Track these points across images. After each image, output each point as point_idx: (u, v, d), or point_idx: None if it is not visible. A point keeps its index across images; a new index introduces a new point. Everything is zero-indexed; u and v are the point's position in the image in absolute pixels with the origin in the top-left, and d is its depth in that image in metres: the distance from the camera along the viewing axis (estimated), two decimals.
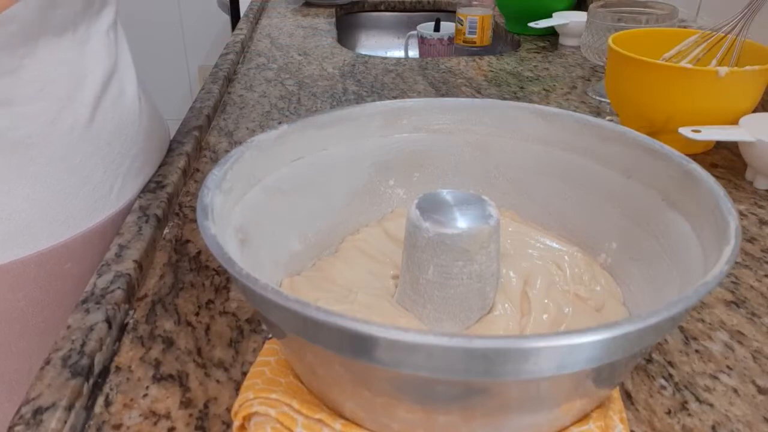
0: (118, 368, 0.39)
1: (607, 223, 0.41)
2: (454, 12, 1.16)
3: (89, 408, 0.37)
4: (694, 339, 0.42)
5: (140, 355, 0.40)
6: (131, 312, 0.44)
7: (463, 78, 0.94)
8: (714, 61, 0.66)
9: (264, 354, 0.36)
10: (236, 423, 0.33)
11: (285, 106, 0.83)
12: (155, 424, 0.35)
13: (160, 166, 0.61)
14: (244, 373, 0.38)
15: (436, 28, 1.24)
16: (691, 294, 0.26)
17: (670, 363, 0.40)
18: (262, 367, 0.35)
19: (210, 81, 0.87)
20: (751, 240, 0.53)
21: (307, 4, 1.42)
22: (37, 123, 0.47)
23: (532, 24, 1.08)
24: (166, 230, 0.54)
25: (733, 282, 0.48)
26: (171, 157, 0.63)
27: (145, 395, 0.37)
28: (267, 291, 0.26)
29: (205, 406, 0.37)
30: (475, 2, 1.12)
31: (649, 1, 0.89)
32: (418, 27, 1.26)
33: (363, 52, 1.23)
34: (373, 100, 0.57)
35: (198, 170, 0.65)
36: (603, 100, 0.84)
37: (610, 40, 0.69)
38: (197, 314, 0.44)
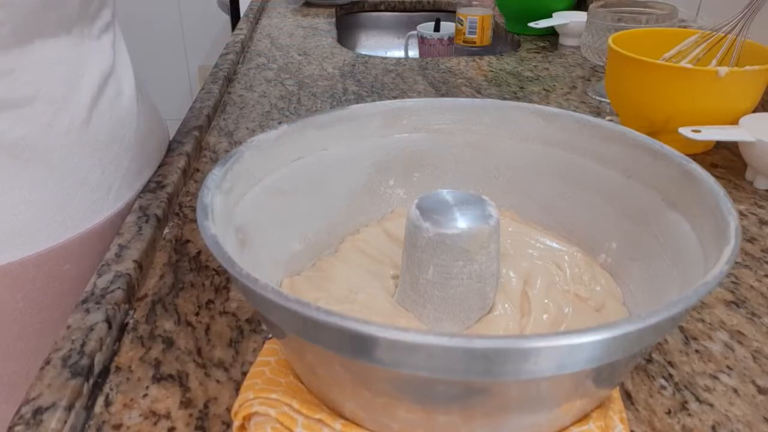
0: (118, 368, 0.39)
1: (607, 223, 0.41)
2: (454, 12, 1.16)
3: (89, 408, 0.37)
4: (694, 339, 0.42)
5: (140, 355, 0.40)
6: (131, 312, 0.44)
7: (463, 78, 0.94)
8: (714, 61, 0.66)
9: (264, 354, 0.36)
10: (236, 423, 0.33)
11: (285, 106, 0.83)
12: (155, 424, 0.35)
13: (159, 167, 0.61)
14: (244, 373, 0.38)
15: (436, 28, 1.24)
16: (691, 294, 0.26)
17: (670, 363, 0.40)
18: (262, 367, 0.35)
19: (210, 81, 0.87)
20: (751, 240, 0.53)
21: (307, 4, 1.42)
22: (33, 125, 0.47)
23: (532, 24, 1.08)
24: (166, 230, 0.54)
25: (733, 282, 0.48)
26: (171, 157, 0.63)
27: (145, 395, 0.37)
28: (267, 291, 0.26)
29: (205, 406, 0.37)
30: (475, 2, 1.12)
31: (649, 1, 0.89)
32: (418, 27, 1.26)
33: (363, 52, 1.23)
34: (373, 100, 0.57)
35: (198, 170, 0.65)
36: (603, 100, 0.84)
37: (610, 40, 0.69)
38: (197, 314, 0.44)
